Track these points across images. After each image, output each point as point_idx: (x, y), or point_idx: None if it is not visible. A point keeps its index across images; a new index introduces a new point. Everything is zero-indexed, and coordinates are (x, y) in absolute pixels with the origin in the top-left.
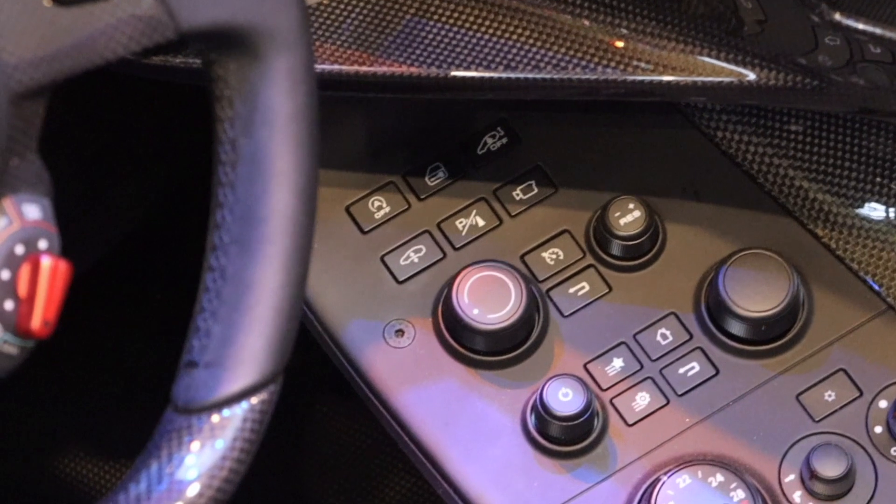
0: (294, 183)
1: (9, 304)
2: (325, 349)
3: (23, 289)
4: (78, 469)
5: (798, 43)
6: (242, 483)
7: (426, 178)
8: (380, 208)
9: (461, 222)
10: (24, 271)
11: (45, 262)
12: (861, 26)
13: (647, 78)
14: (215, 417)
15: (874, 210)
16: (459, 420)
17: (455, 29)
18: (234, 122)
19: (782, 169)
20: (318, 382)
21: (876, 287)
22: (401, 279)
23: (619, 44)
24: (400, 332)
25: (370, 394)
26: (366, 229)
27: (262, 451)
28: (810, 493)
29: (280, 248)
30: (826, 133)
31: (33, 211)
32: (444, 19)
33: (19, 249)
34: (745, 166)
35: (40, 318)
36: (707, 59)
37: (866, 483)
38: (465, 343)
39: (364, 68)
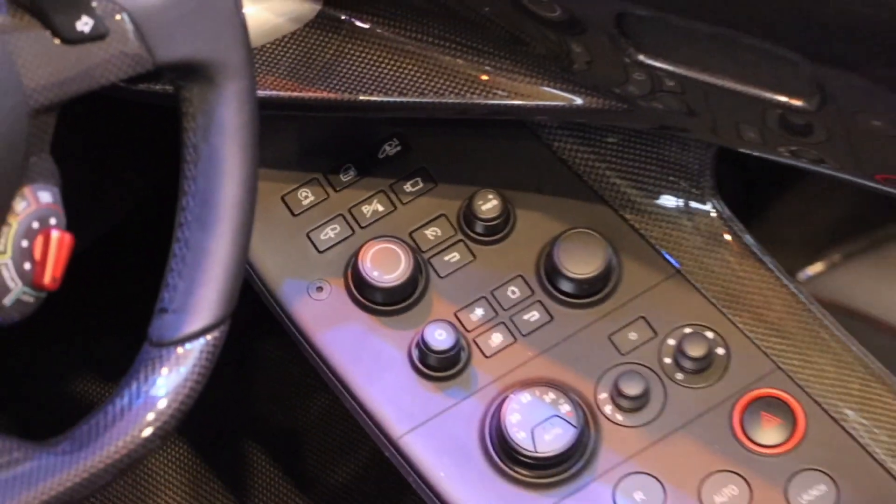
0: (240, 177)
1: (27, 265)
2: (265, 302)
3: (37, 253)
4: (82, 392)
5: (613, 77)
6: (202, 405)
7: (340, 176)
8: (306, 197)
9: (366, 208)
10: (39, 241)
11: (55, 234)
12: (659, 65)
13: (503, 102)
14: (180, 350)
15: (668, 200)
16: (362, 354)
17: (361, 65)
18: (195, 132)
19: (601, 170)
20: (260, 328)
21: (668, 257)
22: (321, 249)
23: (484, 77)
24: (320, 289)
25: (298, 335)
26: (296, 213)
27: (217, 380)
28: (617, 406)
29: (228, 225)
30: (634, 143)
31: (46, 196)
32: (353, 58)
33: (35, 225)
34: (573, 168)
35: (50, 275)
36: (546, 89)
37: (658, 399)
38: (367, 297)
39: (293, 94)
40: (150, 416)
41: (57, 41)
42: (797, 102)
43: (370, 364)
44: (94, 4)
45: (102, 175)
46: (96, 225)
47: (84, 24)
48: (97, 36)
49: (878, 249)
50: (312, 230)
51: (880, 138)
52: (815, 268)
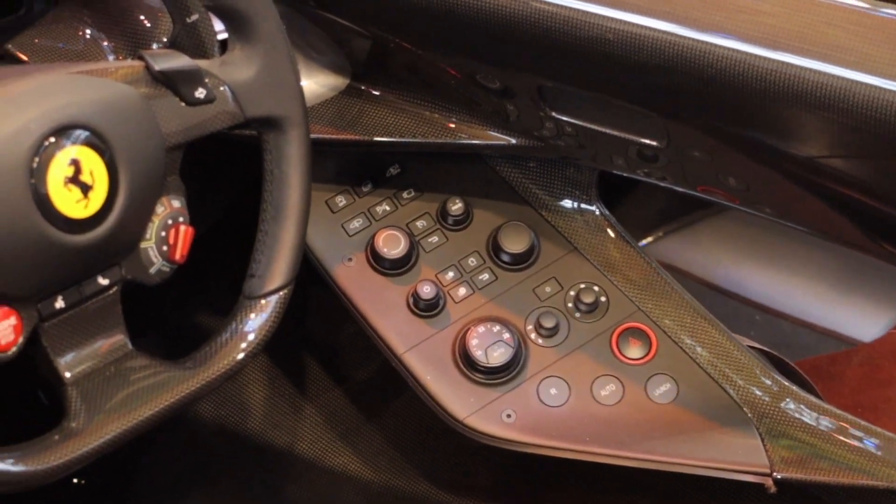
0: (300, 190)
1: (164, 248)
2: (315, 268)
3: (171, 239)
4: (199, 326)
5: (533, 125)
6: (276, 334)
7: (362, 187)
8: (340, 201)
9: (378, 208)
10: (172, 232)
11: (182, 227)
12: (562, 118)
13: (463, 142)
14: (263, 301)
15: (568, 203)
16: (377, 300)
17: (375, 118)
18: (271, 161)
19: (526, 184)
20: (312, 284)
21: (569, 240)
22: (350, 234)
23: (451, 125)
24: (350, 260)
25: (337, 288)
26: (334, 211)
27: (285, 317)
28: (539, 334)
29: (293, 220)
30: (546, 166)
31: (177, 203)
32: (369, 113)
33: (169, 221)
34: (509, 182)
35: (179, 253)
36: (492, 133)
37: (564, 330)
38: (380, 264)
39: (332, 136)
40: (243, 345)
41: (182, 104)
42: (651, 142)
43: (382, 307)
44: (206, 80)
45: (208, 189)
46: (206, 221)
47: (200, 93)
48: (208, 100)
49: (690, 228)
50: (345, 222)
51: (702, 164)
52: (649, 239)
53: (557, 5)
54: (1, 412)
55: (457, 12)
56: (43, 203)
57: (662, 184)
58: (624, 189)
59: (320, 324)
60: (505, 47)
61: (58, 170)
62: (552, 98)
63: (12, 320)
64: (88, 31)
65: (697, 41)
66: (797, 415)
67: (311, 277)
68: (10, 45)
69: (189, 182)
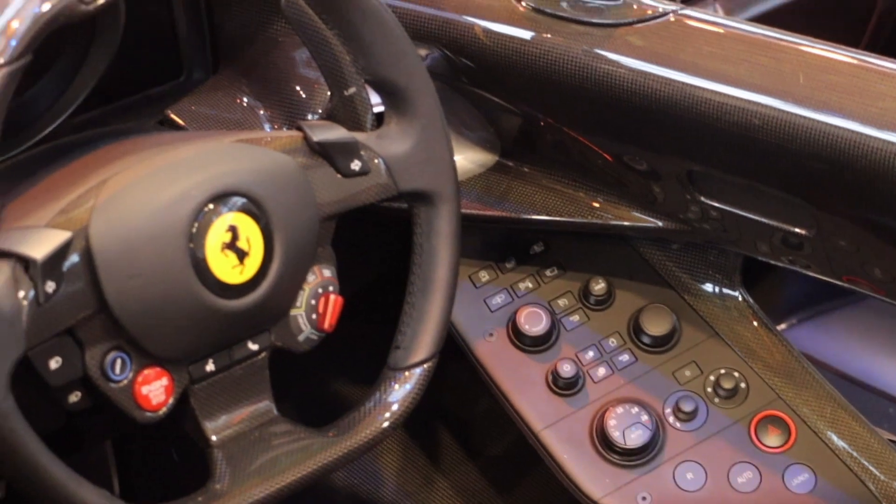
0: (448, 264)
1: (314, 316)
2: (456, 341)
3: (321, 308)
4: (342, 395)
5: (681, 208)
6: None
7: (506, 263)
8: (484, 276)
9: (521, 285)
10: (322, 301)
11: (332, 297)
12: (710, 203)
13: (609, 223)
14: (406, 373)
15: (710, 287)
16: (516, 376)
17: (522, 195)
18: (421, 235)
19: (669, 266)
20: (452, 357)
21: (710, 324)
22: (493, 310)
23: (596, 205)
24: (491, 335)
25: (476, 362)
26: (477, 286)
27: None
28: (677, 418)
29: (439, 295)
30: (690, 249)
31: (327, 272)
32: (517, 190)
33: (320, 290)
34: (652, 264)
35: (328, 322)
36: (637, 214)
37: (703, 414)
38: (521, 341)
39: (480, 212)
40: (386, 415)
41: (338, 175)
42: (798, 230)
43: (521, 383)
44: (362, 153)
45: (355, 258)
46: (350, 289)
47: (355, 165)
48: (363, 172)
49: (825, 315)
50: (487, 297)
51: (848, 254)
52: (783, 325)
53: (708, 90)
54: (137, 468)
55: (608, 95)
56: (200, 268)
57: (806, 272)
58: (760, 273)
59: (456, 397)
60: (654, 131)
61: (216, 236)
62: (699, 182)
63: (164, 381)
64: (246, 100)
65: (851, 132)
66: None
67: (448, 351)
68: (169, 111)
69: (337, 250)
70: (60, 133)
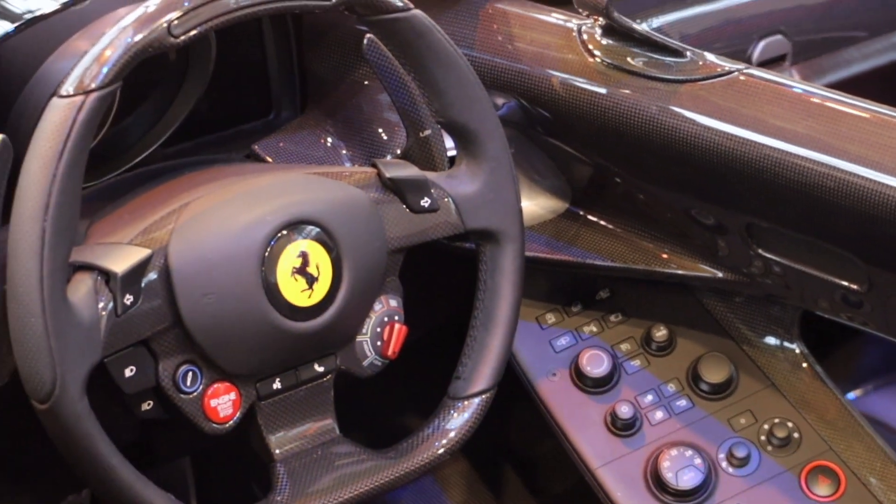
0: (510, 302)
1: (378, 343)
2: (520, 379)
3: (386, 335)
4: (402, 420)
5: (744, 262)
6: (475, 436)
7: (571, 307)
8: (550, 319)
9: (586, 328)
10: (387, 328)
11: (396, 325)
12: (771, 257)
13: (673, 272)
14: (465, 403)
15: (770, 340)
16: (577, 416)
17: (589, 241)
18: (486, 272)
19: (730, 318)
20: (514, 394)
21: (768, 375)
22: (557, 351)
23: (664, 256)
24: (554, 375)
25: (538, 400)
26: (543, 327)
27: (484, 423)
28: (730, 463)
29: (500, 330)
30: (751, 302)
31: (393, 302)
32: (584, 237)
33: (385, 319)
34: (713, 314)
35: (392, 349)
36: (700, 265)
37: (755, 461)
38: (581, 381)
39: (548, 256)
40: (444, 442)
41: (408, 211)
42: (854, 286)
43: (581, 422)
44: (432, 191)
45: (429, 295)
46: (423, 325)
47: (425, 202)
48: (432, 209)
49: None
50: (552, 339)
51: None
52: (858, 391)
53: (767, 146)
54: (215, 487)
55: (674, 148)
56: (271, 290)
57: (865, 329)
58: (838, 339)
59: (521, 436)
60: (716, 184)
61: (287, 260)
62: (760, 236)
63: (232, 396)
64: (330, 140)
65: None
66: None
67: (514, 391)
68: (256, 146)
69: (411, 286)
70: (151, 162)
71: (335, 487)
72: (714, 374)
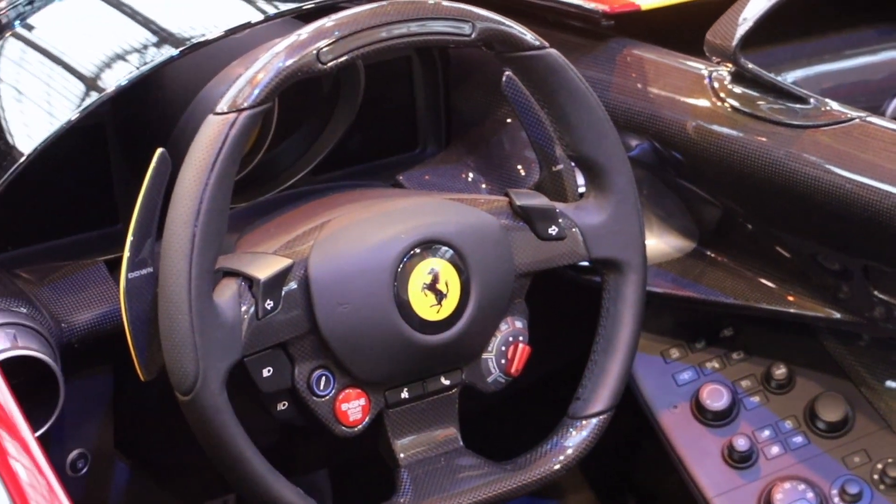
0: (630, 329)
1: (503, 361)
2: (641, 406)
3: (510, 354)
4: (522, 438)
5: (866, 306)
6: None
7: (696, 344)
8: (674, 353)
9: (708, 364)
10: (511, 348)
11: (521, 346)
12: (889, 299)
13: (796, 311)
14: (583, 422)
15: (888, 383)
16: (696, 446)
17: (714, 281)
18: (609, 300)
19: (850, 361)
20: (648, 436)
21: (883, 416)
22: (679, 384)
23: (791, 298)
24: (675, 406)
25: (658, 430)
26: (667, 361)
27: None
28: (842, 499)
29: (620, 355)
30: (874, 346)
31: (518, 323)
32: (710, 276)
33: (510, 338)
34: (833, 356)
35: (515, 367)
36: (823, 307)
37: (867, 498)
38: (702, 414)
39: (672, 292)
40: (561, 458)
41: (536, 238)
42: None
43: (699, 453)
44: (560, 220)
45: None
46: (560, 358)
47: (553, 230)
48: (559, 237)
49: None
50: (675, 373)
51: None
52: None
53: (884, 190)
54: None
55: (799, 193)
56: (402, 304)
57: None
58: None
59: (646, 471)
60: (836, 226)
61: (418, 276)
62: (881, 280)
63: (362, 401)
64: (471, 175)
65: None
66: None
67: (642, 428)
68: (401, 177)
69: (545, 324)
70: (299, 186)
71: (455, 493)
72: (831, 412)
